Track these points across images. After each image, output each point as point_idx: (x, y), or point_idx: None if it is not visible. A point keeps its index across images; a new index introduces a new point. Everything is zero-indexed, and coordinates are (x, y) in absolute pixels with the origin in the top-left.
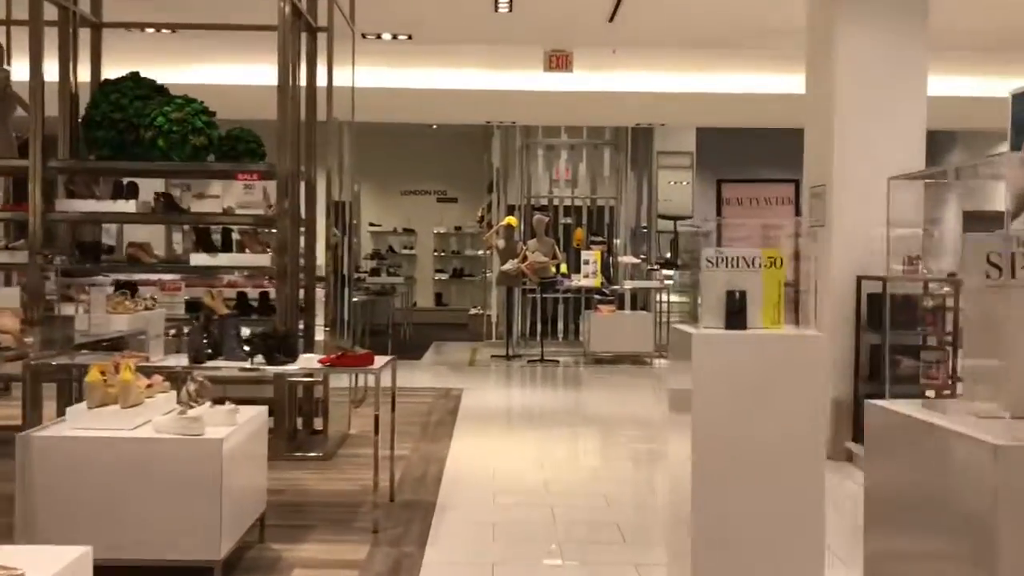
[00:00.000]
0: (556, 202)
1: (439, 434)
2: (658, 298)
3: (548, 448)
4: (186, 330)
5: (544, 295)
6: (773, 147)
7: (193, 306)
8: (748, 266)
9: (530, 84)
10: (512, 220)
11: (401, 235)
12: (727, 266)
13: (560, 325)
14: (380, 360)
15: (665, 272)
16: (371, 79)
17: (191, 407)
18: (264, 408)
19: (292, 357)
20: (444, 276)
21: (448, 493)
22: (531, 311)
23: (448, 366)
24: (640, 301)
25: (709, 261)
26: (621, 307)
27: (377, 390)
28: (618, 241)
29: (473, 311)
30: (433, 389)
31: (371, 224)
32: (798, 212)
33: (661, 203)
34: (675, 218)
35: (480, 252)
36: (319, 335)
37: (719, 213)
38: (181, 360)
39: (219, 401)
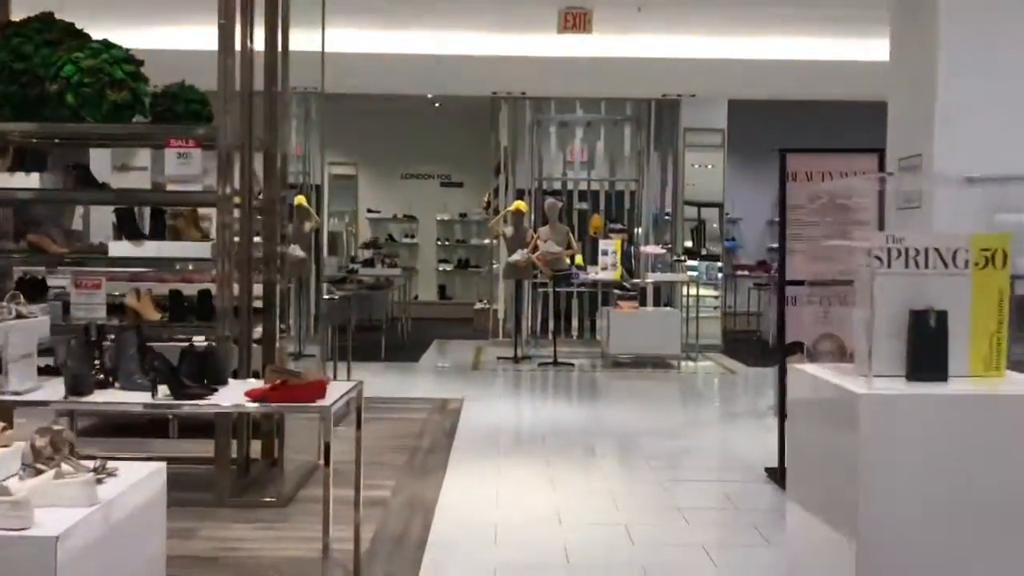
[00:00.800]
0: (570, 186)
1: (430, 465)
2: (684, 292)
3: (568, 490)
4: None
5: (557, 289)
6: (836, 121)
7: (117, 309)
8: (947, 264)
9: (542, 49)
10: (521, 205)
11: (402, 222)
12: (908, 264)
13: (574, 323)
14: (336, 389)
15: (689, 263)
16: (358, 43)
17: (38, 471)
18: (161, 466)
19: (215, 384)
20: (448, 267)
21: (434, 567)
22: (542, 307)
23: (449, 370)
24: (664, 296)
25: (877, 256)
26: (643, 303)
27: (326, 431)
28: (639, 230)
29: (479, 306)
30: (429, 400)
31: (369, 210)
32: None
33: (687, 187)
34: (702, 204)
35: (486, 241)
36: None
37: (783, 189)
38: (55, 392)
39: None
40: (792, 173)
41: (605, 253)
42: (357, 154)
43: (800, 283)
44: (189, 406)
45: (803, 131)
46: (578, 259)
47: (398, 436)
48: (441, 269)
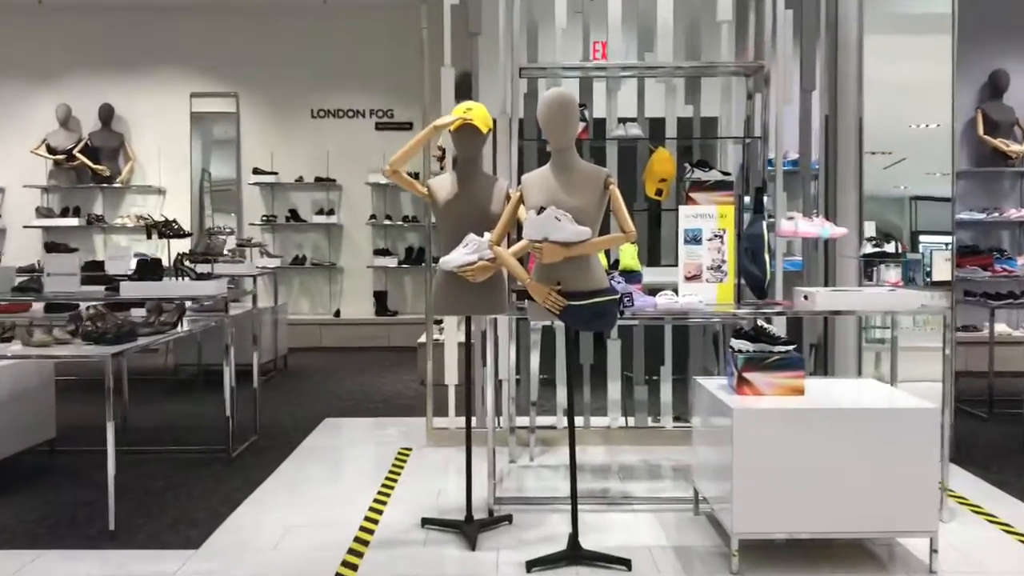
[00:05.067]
0: (600, 93)
1: None
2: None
3: None
4: None
5: (573, 326)
6: None
7: None
8: None
9: None
10: (476, 112)
11: (312, 188)
12: None
13: (612, 390)
14: None
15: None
16: None
17: None
18: None
19: None
20: (389, 262)
21: None
22: (545, 356)
23: None
24: (801, 338)
25: None
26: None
27: None
28: (766, 197)
29: (424, 339)
30: None
31: (256, 171)
32: None
33: (869, 109)
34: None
35: None
36: None
37: None
38: None
39: None
40: None
41: (694, 240)
42: (237, 78)
43: None
44: None
45: None
46: (628, 255)
47: None
48: (378, 264)
